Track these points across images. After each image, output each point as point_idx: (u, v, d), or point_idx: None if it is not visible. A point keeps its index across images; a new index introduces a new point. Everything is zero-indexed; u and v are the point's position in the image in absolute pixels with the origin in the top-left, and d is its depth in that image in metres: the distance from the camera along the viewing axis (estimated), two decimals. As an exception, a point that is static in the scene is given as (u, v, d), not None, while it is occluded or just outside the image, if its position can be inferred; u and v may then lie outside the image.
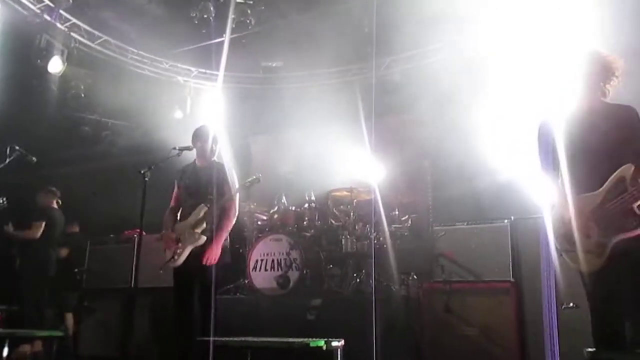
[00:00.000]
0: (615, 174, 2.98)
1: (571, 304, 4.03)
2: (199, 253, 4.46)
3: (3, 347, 4.56)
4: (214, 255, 4.44)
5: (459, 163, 6.71)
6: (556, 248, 3.19)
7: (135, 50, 8.21)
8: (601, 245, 2.91)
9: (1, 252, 6.65)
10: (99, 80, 7.99)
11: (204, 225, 4.51)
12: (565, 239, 3.10)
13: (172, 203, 4.80)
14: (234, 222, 4.64)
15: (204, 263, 4.39)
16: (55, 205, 6.77)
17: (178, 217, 4.71)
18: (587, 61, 3.17)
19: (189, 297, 4.44)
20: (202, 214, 4.51)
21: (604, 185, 2.99)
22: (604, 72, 3.16)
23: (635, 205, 2.87)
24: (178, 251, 4.54)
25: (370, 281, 5.58)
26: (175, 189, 4.81)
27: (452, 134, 6.44)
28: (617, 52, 3.25)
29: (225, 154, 4.92)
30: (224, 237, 4.55)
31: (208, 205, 4.50)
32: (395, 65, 7.88)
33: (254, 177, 4.76)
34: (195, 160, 4.78)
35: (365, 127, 6.44)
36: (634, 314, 2.93)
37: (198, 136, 4.71)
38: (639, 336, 2.86)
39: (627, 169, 2.94)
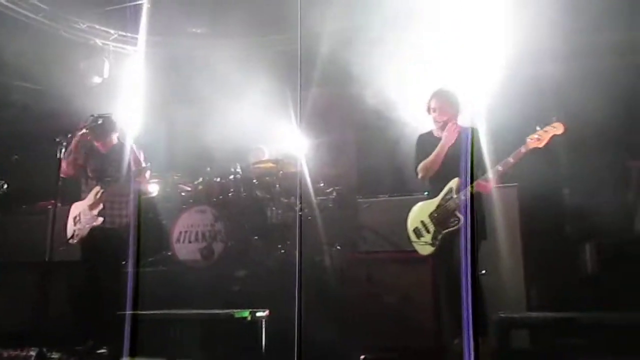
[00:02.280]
0: (447, 184, 4.11)
1: (483, 271, 4.28)
2: (101, 231, 4.69)
3: None
4: None
5: (383, 135, 6.84)
6: (408, 238, 4.33)
7: (49, 9, 7.68)
8: (434, 238, 4.15)
9: None
10: (9, 40, 7.41)
11: (100, 206, 4.69)
12: (414, 233, 4.28)
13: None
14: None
15: None
16: None
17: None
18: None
19: (95, 272, 4.74)
20: (95, 195, 4.72)
21: (440, 194, 4.16)
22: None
23: (456, 210, 4.03)
24: (76, 233, 4.71)
25: (295, 252, 5.64)
26: (63, 166, 4.60)
27: (377, 106, 6.53)
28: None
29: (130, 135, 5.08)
30: None
31: (103, 188, 4.71)
32: (324, 37, 7.84)
33: None
34: (99, 146, 4.88)
35: (291, 99, 6.42)
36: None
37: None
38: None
39: (455, 182, 4.08)
